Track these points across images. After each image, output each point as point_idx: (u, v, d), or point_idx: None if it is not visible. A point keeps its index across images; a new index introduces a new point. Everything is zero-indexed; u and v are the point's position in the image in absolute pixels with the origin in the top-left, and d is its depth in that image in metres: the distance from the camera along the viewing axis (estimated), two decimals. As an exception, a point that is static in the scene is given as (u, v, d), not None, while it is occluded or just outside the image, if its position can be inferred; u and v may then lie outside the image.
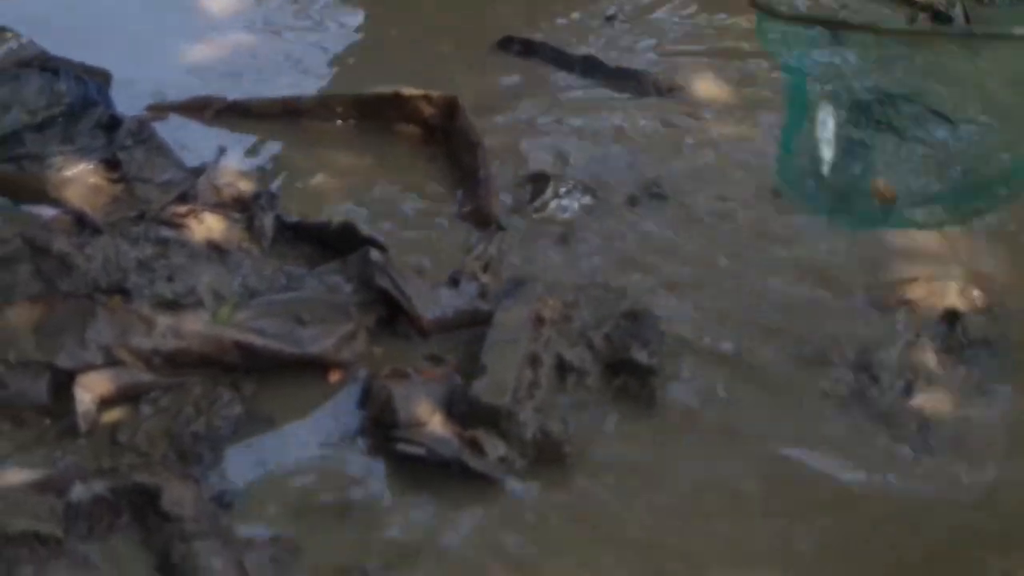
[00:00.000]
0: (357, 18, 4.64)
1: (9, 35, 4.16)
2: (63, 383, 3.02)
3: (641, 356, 3.22)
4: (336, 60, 4.43)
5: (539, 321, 3.25)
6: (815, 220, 3.79)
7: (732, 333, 3.37)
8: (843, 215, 3.83)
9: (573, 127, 4.12)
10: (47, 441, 2.96)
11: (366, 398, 3.12)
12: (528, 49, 4.41)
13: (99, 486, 2.80)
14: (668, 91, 4.26)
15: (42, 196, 3.62)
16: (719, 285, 3.54)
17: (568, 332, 3.28)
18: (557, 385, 3.18)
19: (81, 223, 3.49)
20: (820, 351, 3.32)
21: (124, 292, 3.25)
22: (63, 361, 3.06)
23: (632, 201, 3.81)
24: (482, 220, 3.69)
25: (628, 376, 3.23)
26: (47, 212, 3.57)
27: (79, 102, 3.92)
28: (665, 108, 4.20)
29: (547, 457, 3.00)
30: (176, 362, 3.12)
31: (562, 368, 3.22)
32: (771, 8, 4.72)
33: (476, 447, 2.97)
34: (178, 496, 2.81)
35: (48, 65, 4.01)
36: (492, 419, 3.00)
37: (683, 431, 3.13)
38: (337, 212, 3.68)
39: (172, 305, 3.24)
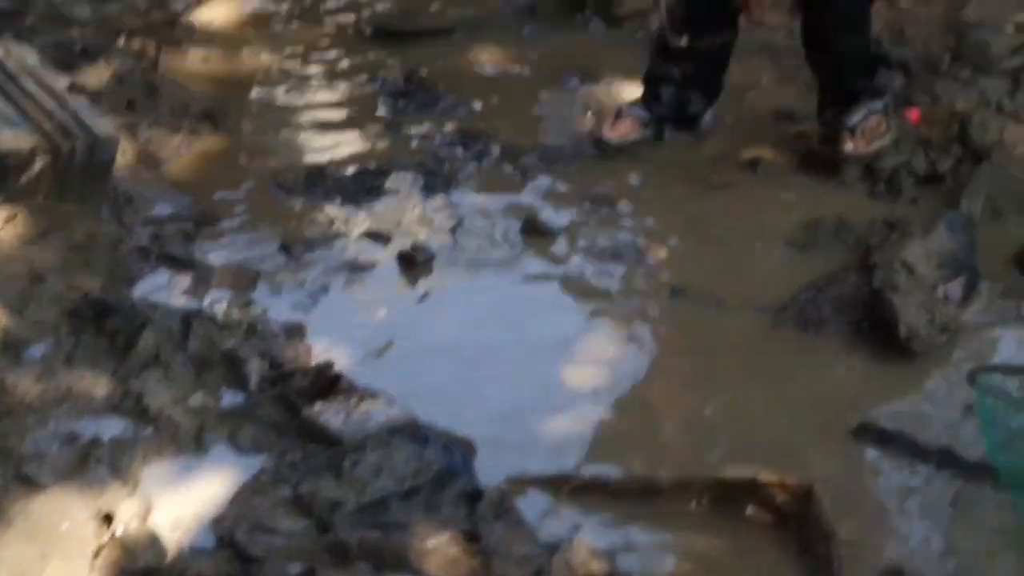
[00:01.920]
0: (714, 393, 4.67)
1: (382, 399, 4.37)
2: None
3: None
4: (688, 436, 4.48)
5: None
6: None
7: None
8: None
9: (930, 521, 4.06)
10: None
11: None
12: (882, 438, 4.38)
13: None
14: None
15: (403, 565, 3.76)
16: None
17: None
18: None
19: (441, 597, 3.60)
20: None
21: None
22: None
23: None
24: (836, 615, 3.65)
25: None
26: (409, 584, 3.71)
27: (445, 471, 4.06)
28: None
29: None
30: None
31: None
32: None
33: None
34: None
35: (418, 433, 4.18)
36: None
37: None
38: (687, 596, 3.71)
39: None
